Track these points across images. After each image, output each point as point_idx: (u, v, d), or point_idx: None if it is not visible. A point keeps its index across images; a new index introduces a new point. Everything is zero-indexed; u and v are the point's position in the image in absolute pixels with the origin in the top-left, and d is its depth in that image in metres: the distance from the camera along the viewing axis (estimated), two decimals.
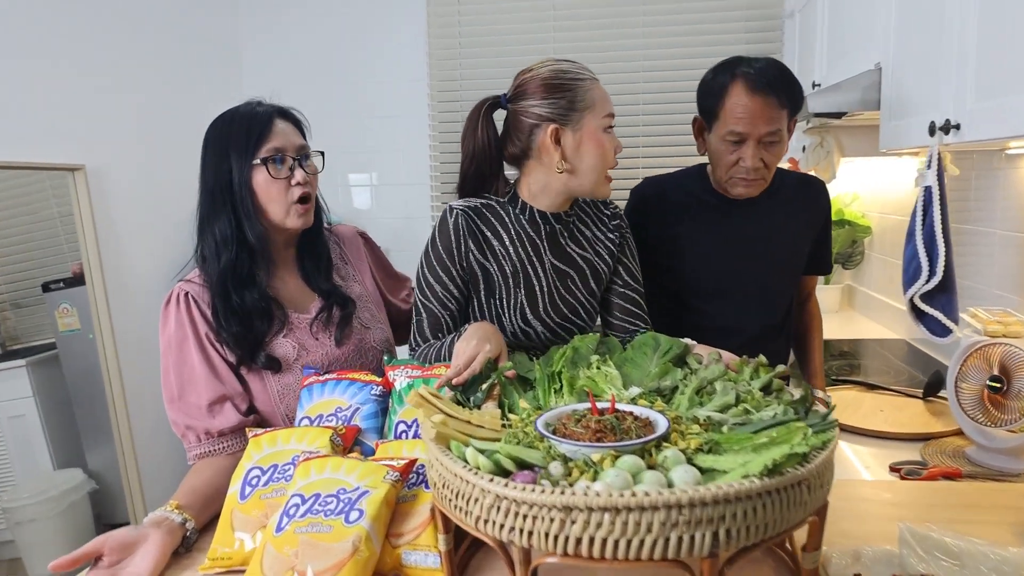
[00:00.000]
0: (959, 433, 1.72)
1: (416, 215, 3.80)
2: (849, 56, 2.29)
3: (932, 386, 2.00)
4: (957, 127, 1.46)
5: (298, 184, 1.49)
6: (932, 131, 1.54)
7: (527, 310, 1.56)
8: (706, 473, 0.87)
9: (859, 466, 1.60)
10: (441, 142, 3.73)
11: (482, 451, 0.89)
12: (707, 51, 3.35)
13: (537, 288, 1.56)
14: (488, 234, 1.56)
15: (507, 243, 1.55)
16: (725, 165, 1.68)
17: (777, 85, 1.59)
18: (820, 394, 1.41)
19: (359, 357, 1.59)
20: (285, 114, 1.54)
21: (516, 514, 0.81)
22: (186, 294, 1.47)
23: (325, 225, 1.67)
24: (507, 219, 1.57)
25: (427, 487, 1.18)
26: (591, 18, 3.50)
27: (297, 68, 3.75)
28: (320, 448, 1.25)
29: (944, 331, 1.61)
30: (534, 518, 0.80)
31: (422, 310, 1.57)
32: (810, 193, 1.85)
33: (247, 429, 1.35)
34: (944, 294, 1.59)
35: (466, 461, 0.89)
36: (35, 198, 2.86)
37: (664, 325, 1.91)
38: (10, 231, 2.84)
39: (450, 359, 1.40)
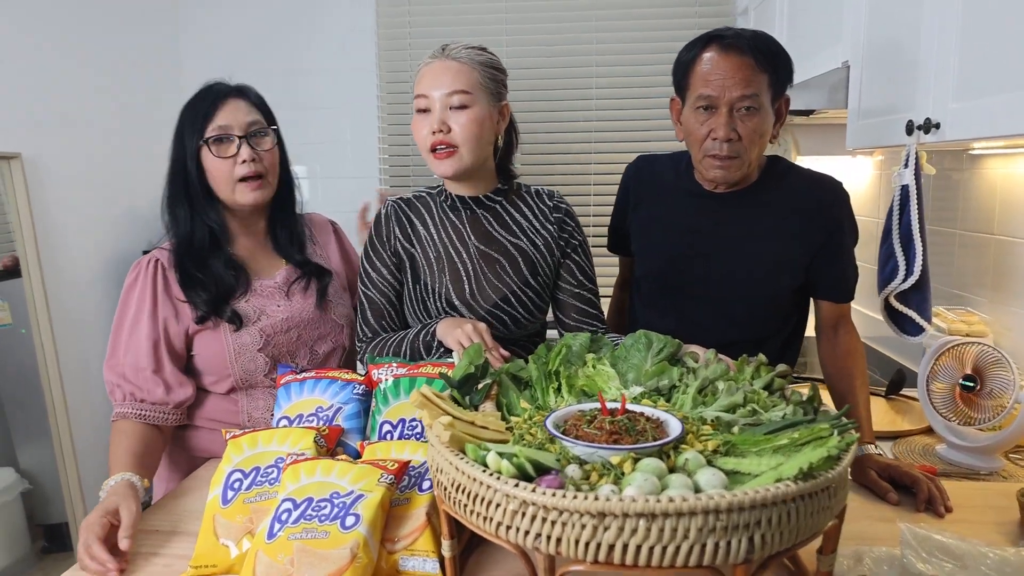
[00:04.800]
0: (927, 431, 1.75)
1: None
2: (812, 55, 2.30)
3: (895, 384, 2.04)
4: (937, 126, 1.47)
5: (243, 162, 1.51)
6: (910, 130, 1.55)
7: (452, 295, 1.55)
8: (729, 476, 0.85)
9: None
10: (391, 134, 3.63)
11: (501, 455, 0.86)
12: (657, 47, 3.34)
13: (462, 272, 1.56)
14: (415, 220, 1.60)
15: (431, 229, 1.59)
16: (697, 141, 1.51)
17: (756, 47, 1.44)
18: (872, 450, 1.42)
19: (319, 325, 1.65)
20: (241, 92, 1.58)
21: (544, 520, 0.78)
22: (156, 261, 1.54)
23: (299, 207, 1.73)
24: (433, 207, 1.61)
25: (420, 490, 1.15)
26: (544, 9, 3.46)
27: (238, 57, 3.60)
28: (304, 450, 1.21)
29: (917, 330, 1.63)
30: (564, 524, 0.77)
31: (364, 300, 1.60)
32: (818, 195, 1.58)
33: (223, 431, 1.29)
34: (918, 293, 1.61)
35: (484, 465, 0.85)
36: None
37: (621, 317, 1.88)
38: None
39: (416, 353, 1.49)
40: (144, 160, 3.39)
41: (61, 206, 2.90)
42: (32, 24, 2.78)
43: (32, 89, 2.77)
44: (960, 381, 1.56)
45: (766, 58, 1.45)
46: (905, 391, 2.03)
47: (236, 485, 1.18)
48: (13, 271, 2.76)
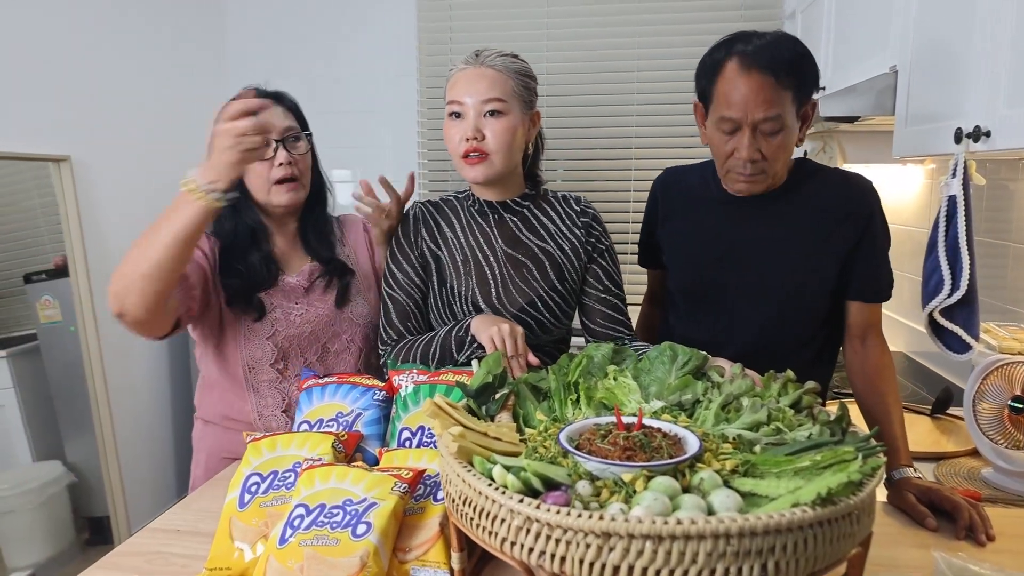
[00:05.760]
0: (973, 453, 1.68)
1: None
2: (860, 59, 2.24)
3: (941, 403, 1.96)
4: (987, 134, 1.41)
5: (280, 165, 1.56)
6: (958, 138, 1.49)
7: (479, 298, 1.53)
8: (746, 498, 0.82)
9: None
10: (430, 139, 3.63)
11: (508, 468, 0.83)
12: (700, 50, 3.25)
13: (489, 275, 1.55)
14: (442, 223, 1.60)
15: (458, 231, 1.58)
16: (721, 157, 1.49)
17: (778, 62, 1.40)
18: (910, 472, 1.36)
19: (334, 323, 1.66)
20: (278, 98, 1.62)
21: (548, 538, 0.76)
22: (206, 237, 1.58)
23: (331, 211, 1.76)
24: (460, 210, 1.61)
25: (435, 499, 1.13)
26: (585, 15, 3.42)
27: (282, 61, 3.66)
28: (322, 455, 1.20)
29: (963, 347, 1.56)
30: (568, 543, 0.74)
31: (388, 301, 1.59)
32: (848, 194, 1.54)
33: (244, 433, 1.29)
34: (965, 308, 1.54)
35: (491, 478, 0.83)
36: (16, 188, 2.78)
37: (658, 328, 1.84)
38: None
39: (446, 352, 1.46)
40: (189, 162, 3.45)
41: (108, 207, 2.97)
42: (81, 30, 2.85)
43: (81, 93, 2.84)
44: (1009, 402, 1.49)
45: (788, 72, 1.41)
46: (952, 410, 1.96)
47: (253, 488, 1.18)
48: (64, 271, 2.83)
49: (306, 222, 1.70)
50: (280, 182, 1.57)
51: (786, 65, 1.40)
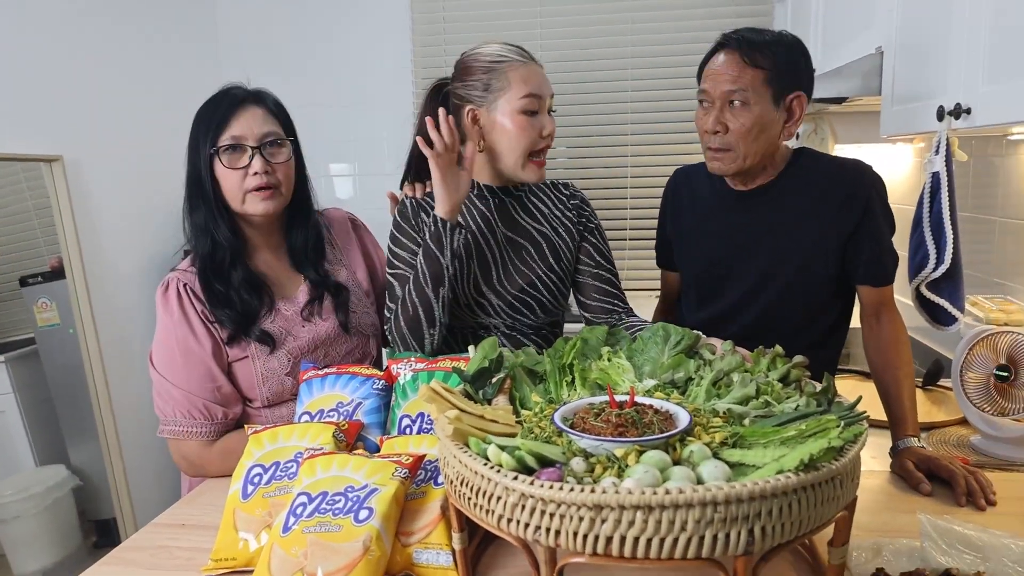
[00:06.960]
0: (962, 422, 1.71)
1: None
2: (847, 40, 2.26)
3: (932, 375, 1.99)
4: (968, 111, 1.44)
5: (255, 174, 1.46)
6: (940, 116, 1.52)
7: (480, 281, 1.57)
8: (734, 467, 0.84)
9: (864, 455, 1.58)
10: None
11: (503, 447, 0.86)
12: (694, 36, 3.29)
13: (490, 258, 1.59)
14: None
15: (460, 217, 1.58)
16: (700, 136, 1.57)
17: (749, 43, 1.47)
18: (915, 443, 1.39)
19: (345, 340, 1.61)
20: (259, 99, 1.52)
21: (543, 513, 0.78)
22: (184, 285, 1.49)
23: (316, 208, 1.68)
24: None
25: (436, 484, 1.15)
26: (578, 3, 3.43)
27: (276, 55, 3.66)
28: (323, 445, 1.22)
29: (950, 320, 1.59)
30: (562, 517, 0.77)
31: (393, 280, 1.58)
32: (844, 178, 1.56)
33: (245, 426, 1.32)
34: (950, 282, 1.58)
35: (486, 458, 0.85)
36: (9, 191, 2.77)
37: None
38: None
39: (432, 260, 1.48)
40: (183, 160, 3.47)
41: (102, 207, 2.96)
42: (70, 28, 2.84)
43: (72, 92, 2.83)
44: (994, 371, 1.52)
45: (759, 53, 1.47)
46: (943, 382, 1.99)
47: (256, 479, 1.20)
48: (60, 272, 2.83)
49: (292, 234, 1.60)
50: (256, 190, 1.47)
51: (757, 46, 1.47)
